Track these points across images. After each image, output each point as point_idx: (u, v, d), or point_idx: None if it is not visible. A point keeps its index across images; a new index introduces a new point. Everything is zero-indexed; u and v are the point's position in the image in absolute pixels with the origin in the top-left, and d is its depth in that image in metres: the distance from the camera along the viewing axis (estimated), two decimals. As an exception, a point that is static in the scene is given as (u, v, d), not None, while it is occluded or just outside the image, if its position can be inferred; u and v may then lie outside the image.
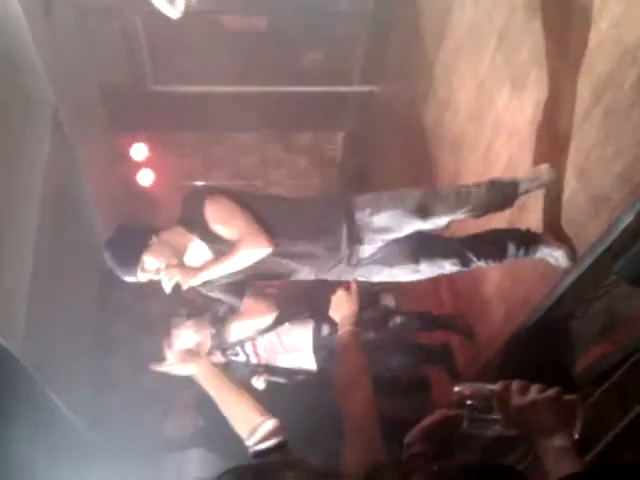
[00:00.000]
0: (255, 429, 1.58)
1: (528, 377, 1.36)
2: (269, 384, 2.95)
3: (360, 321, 2.52)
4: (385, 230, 2.31)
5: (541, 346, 2.51)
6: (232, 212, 2.19)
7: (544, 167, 2.44)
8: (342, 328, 1.69)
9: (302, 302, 2.94)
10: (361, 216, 2.29)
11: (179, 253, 2.21)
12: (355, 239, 2.30)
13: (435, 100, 3.98)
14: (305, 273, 2.37)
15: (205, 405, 2.91)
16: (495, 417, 1.23)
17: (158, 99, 4.99)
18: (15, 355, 2.52)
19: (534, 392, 1.18)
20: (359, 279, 2.40)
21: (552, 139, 2.49)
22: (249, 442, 1.59)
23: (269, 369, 2.97)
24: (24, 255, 3.10)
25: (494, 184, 2.42)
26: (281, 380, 2.99)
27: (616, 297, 2.20)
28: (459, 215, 2.35)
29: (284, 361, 2.98)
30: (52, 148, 3.50)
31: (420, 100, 4.19)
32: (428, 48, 4.08)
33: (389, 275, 2.47)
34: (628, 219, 1.98)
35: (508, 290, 2.92)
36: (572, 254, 2.30)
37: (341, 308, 1.74)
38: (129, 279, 2.21)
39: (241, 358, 2.94)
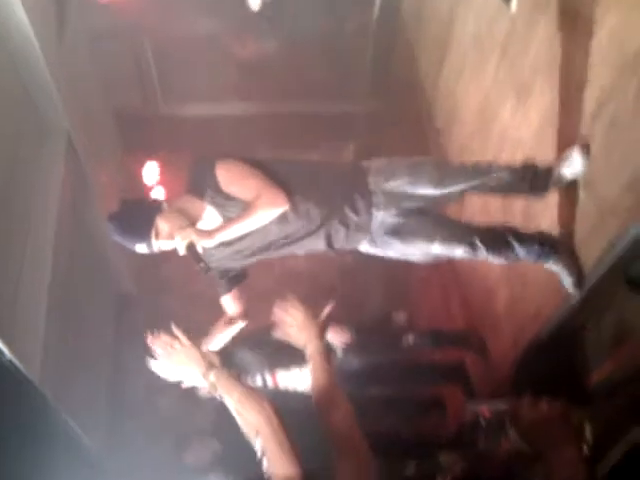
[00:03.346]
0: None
1: (543, 392, 1.38)
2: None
3: (372, 343, 2.46)
4: (399, 195, 2.29)
5: (554, 360, 2.48)
6: (245, 171, 2.18)
7: (575, 149, 2.27)
8: (309, 349, 1.60)
9: None
10: (375, 181, 2.28)
11: (191, 218, 2.19)
12: (369, 204, 2.27)
13: (440, 114, 3.98)
14: (318, 241, 2.32)
15: (222, 430, 2.89)
16: (508, 434, 1.29)
17: (169, 120, 5.06)
18: (33, 380, 2.52)
19: (544, 406, 1.25)
20: (371, 251, 2.41)
21: (558, 149, 2.47)
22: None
23: (283, 395, 2.94)
24: (41, 279, 3.09)
25: (523, 167, 2.37)
26: (293, 405, 2.98)
27: (627, 308, 2.17)
28: (474, 185, 2.34)
29: (298, 386, 2.97)
30: (66, 172, 3.51)
31: (425, 114, 4.20)
32: (431, 63, 4.10)
33: (401, 251, 2.40)
34: (636, 229, 1.96)
35: (519, 304, 2.88)
36: (580, 281, 2.28)
37: (301, 331, 1.62)
38: (140, 248, 2.16)
39: (258, 383, 2.92)
